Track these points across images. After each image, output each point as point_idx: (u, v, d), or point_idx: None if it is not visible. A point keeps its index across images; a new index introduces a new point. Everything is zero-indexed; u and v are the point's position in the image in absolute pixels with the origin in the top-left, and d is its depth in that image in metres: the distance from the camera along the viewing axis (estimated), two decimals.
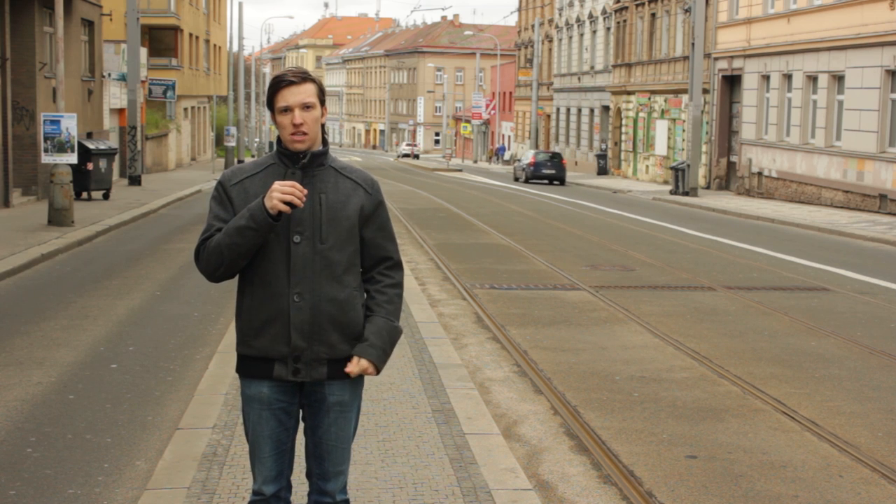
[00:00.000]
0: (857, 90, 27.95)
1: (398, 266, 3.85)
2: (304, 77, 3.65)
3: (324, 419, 3.78)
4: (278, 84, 3.65)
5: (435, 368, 8.05)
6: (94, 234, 18.07)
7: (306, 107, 3.63)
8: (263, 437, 3.76)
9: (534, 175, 45.24)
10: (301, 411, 3.84)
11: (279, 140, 3.73)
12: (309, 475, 3.87)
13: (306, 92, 3.63)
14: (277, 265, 3.66)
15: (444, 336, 9.47)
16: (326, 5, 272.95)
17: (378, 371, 3.76)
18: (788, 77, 32.63)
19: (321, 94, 3.69)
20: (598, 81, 54.50)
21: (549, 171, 45.21)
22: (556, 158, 46.24)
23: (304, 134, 3.64)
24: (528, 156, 47.69)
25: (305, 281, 3.65)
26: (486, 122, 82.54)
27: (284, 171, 3.69)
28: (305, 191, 3.56)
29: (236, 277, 3.79)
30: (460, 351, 9.21)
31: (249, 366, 3.75)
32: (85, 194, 24.85)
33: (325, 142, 3.75)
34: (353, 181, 3.76)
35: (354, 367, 3.71)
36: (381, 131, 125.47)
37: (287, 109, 3.62)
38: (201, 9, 54.65)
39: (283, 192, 3.52)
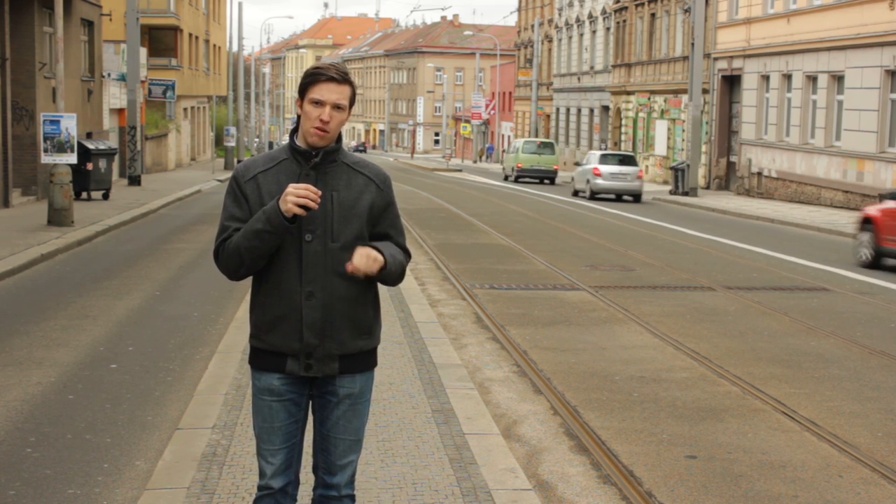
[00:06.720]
0: (856, 90, 27.96)
1: (407, 253, 3.88)
2: (344, 77, 3.67)
3: (333, 412, 3.79)
4: (319, 76, 3.65)
5: (435, 368, 8.05)
6: (94, 234, 18.06)
7: (337, 107, 3.65)
8: (273, 428, 3.77)
9: (355, 149, 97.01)
10: (310, 404, 3.85)
11: (293, 133, 3.74)
12: (315, 469, 3.88)
13: (343, 93, 3.65)
14: (290, 263, 3.68)
15: (443, 336, 9.47)
16: (326, 5, 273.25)
17: (385, 260, 3.64)
18: (788, 77, 32.64)
19: (353, 97, 3.71)
20: (597, 81, 54.50)
21: (360, 149, 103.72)
22: (362, 146, 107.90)
23: (326, 131, 3.65)
24: (352, 144, 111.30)
25: (317, 279, 3.67)
26: (486, 123, 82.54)
27: (298, 168, 3.69)
28: (319, 192, 3.58)
29: None
30: (460, 351, 9.20)
31: (262, 358, 3.77)
32: (84, 194, 24.84)
33: (338, 138, 3.76)
34: (366, 176, 3.76)
35: (356, 258, 3.61)
36: (381, 131, 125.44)
37: (320, 103, 3.63)
38: (201, 9, 54.65)
39: (298, 196, 3.53)
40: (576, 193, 36.05)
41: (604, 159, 34.79)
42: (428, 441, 6.23)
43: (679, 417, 7.37)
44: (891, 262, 16.44)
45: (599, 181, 33.77)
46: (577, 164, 39.08)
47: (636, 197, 33.84)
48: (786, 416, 7.42)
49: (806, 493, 5.87)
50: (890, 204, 16.55)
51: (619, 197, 34.21)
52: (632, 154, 38.49)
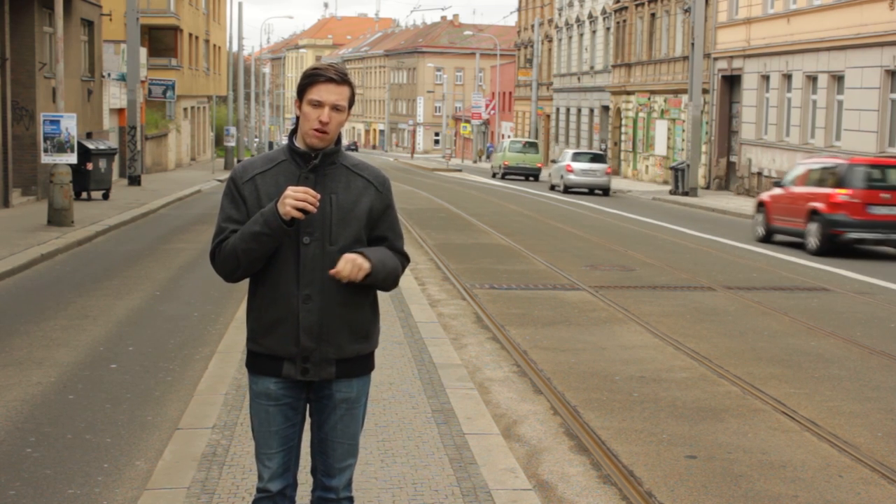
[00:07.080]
0: (856, 90, 27.95)
1: (405, 257, 3.86)
2: (343, 78, 3.66)
3: (330, 416, 3.78)
4: (317, 77, 3.64)
5: (435, 368, 8.05)
6: (94, 234, 18.06)
7: (336, 108, 3.64)
8: (270, 432, 3.76)
9: (347, 148, 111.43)
10: (307, 407, 3.84)
11: (292, 134, 3.73)
12: (314, 471, 3.88)
13: (342, 94, 3.64)
14: (287, 266, 3.66)
15: (443, 336, 9.47)
16: (326, 5, 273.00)
17: (371, 265, 3.61)
18: (788, 77, 32.63)
19: (352, 98, 3.70)
20: (597, 81, 54.50)
21: (351, 147, 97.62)
22: (353, 145, 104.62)
23: (326, 133, 3.64)
24: (345, 142, 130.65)
25: (315, 283, 3.65)
26: (486, 123, 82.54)
27: (297, 170, 3.67)
28: (318, 196, 3.56)
29: None
30: (460, 351, 9.21)
31: (258, 362, 3.76)
32: (84, 194, 24.83)
33: (338, 140, 3.75)
34: (365, 179, 3.75)
35: (340, 263, 3.58)
36: (381, 131, 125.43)
37: (318, 104, 3.62)
38: (201, 9, 54.64)
39: (297, 199, 3.51)
40: (552, 188, 39.50)
41: (576, 157, 38.58)
42: (428, 441, 6.23)
43: (679, 417, 7.37)
44: (779, 237, 19.88)
45: (572, 176, 37.27)
46: (553, 161, 42.43)
47: (605, 191, 37.49)
48: (786, 416, 7.42)
49: (806, 493, 5.88)
50: (777, 191, 20.10)
51: (591, 191, 37.53)
52: (601, 153, 42.81)
